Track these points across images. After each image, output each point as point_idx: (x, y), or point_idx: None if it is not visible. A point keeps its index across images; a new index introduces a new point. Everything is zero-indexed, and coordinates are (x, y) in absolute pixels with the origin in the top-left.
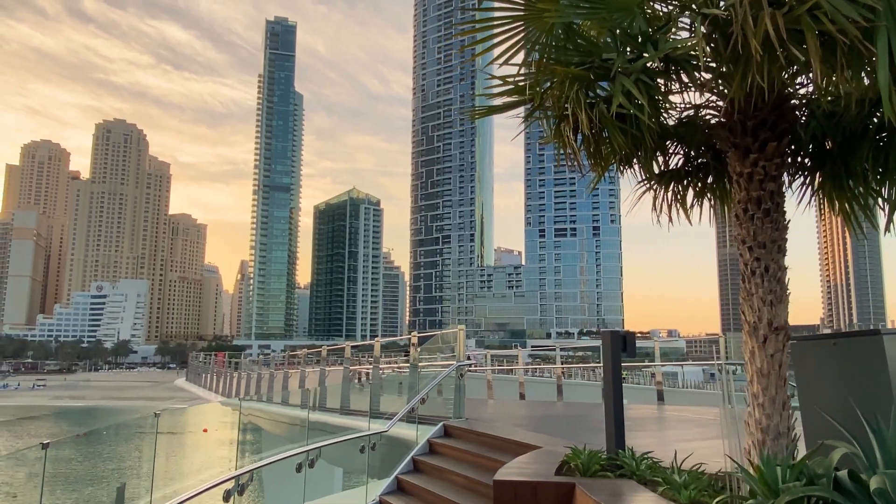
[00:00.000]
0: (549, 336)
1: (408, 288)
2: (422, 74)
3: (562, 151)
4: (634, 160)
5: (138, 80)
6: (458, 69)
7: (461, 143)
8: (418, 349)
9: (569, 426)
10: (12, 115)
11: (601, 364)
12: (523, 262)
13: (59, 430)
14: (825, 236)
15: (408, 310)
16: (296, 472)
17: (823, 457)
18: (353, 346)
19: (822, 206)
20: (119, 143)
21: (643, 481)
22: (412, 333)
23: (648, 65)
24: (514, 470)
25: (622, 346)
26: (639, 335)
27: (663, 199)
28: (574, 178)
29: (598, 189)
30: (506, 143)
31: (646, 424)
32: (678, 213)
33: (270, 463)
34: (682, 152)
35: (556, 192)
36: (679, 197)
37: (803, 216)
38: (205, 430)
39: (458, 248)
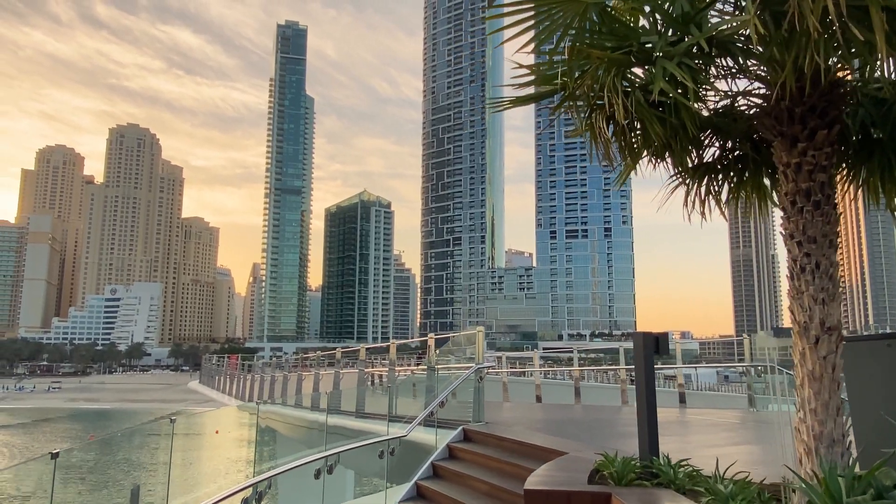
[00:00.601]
0: (560, 338)
1: (419, 290)
2: (432, 77)
3: (586, 143)
4: (667, 153)
5: (150, 84)
6: (469, 71)
7: (471, 145)
8: (436, 352)
9: (592, 430)
10: (27, 121)
11: (617, 366)
12: (534, 264)
13: (74, 432)
14: (840, 235)
15: (419, 312)
16: (314, 479)
17: (892, 468)
18: (367, 349)
19: (867, 201)
20: (132, 148)
21: (682, 491)
22: (429, 335)
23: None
24: (543, 478)
25: (655, 347)
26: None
27: (696, 195)
28: (585, 179)
29: (609, 190)
30: (515, 145)
31: (671, 428)
32: (711, 210)
33: (289, 469)
34: (717, 144)
35: (567, 193)
36: (713, 192)
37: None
38: (216, 432)
39: (469, 250)
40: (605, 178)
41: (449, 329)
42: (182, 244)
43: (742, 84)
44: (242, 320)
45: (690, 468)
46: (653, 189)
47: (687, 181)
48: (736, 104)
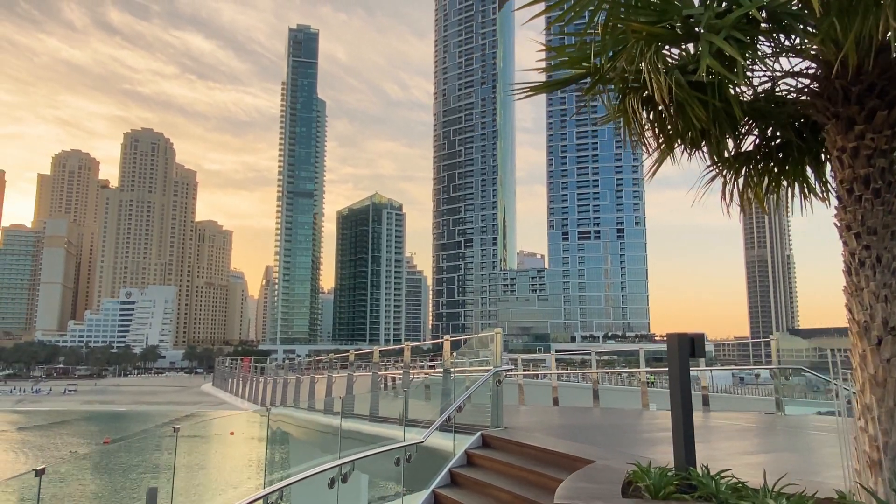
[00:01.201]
0: (573, 340)
1: (430, 292)
2: (443, 79)
3: (615, 131)
4: (703, 142)
5: (163, 89)
6: (480, 73)
7: (483, 147)
8: (452, 354)
9: (616, 436)
10: (44, 126)
11: (637, 368)
12: (546, 266)
13: (89, 434)
14: None
15: (430, 314)
16: (328, 489)
17: None
18: (381, 351)
19: None
20: (147, 152)
21: None
22: (445, 337)
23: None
24: (573, 490)
25: (690, 349)
26: (665, 339)
27: (734, 187)
28: (597, 180)
29: (621, 191)
30: (526, 147)
31: (698, 434)
32: (751, 203)
33: (301, 479)
34: (757, 131)
35: (579, 194)
36: (753, 184)
37: (835, 211)
38: (231, 433)
39: (481, 252)
40: (617, 179)
41: (461, 331)
42: (196, 247)
43: (787, 64)
44: (255, 323)
45: (733, 480)
46: (666, 190)
47: (724, 172)
48: (777, 87)
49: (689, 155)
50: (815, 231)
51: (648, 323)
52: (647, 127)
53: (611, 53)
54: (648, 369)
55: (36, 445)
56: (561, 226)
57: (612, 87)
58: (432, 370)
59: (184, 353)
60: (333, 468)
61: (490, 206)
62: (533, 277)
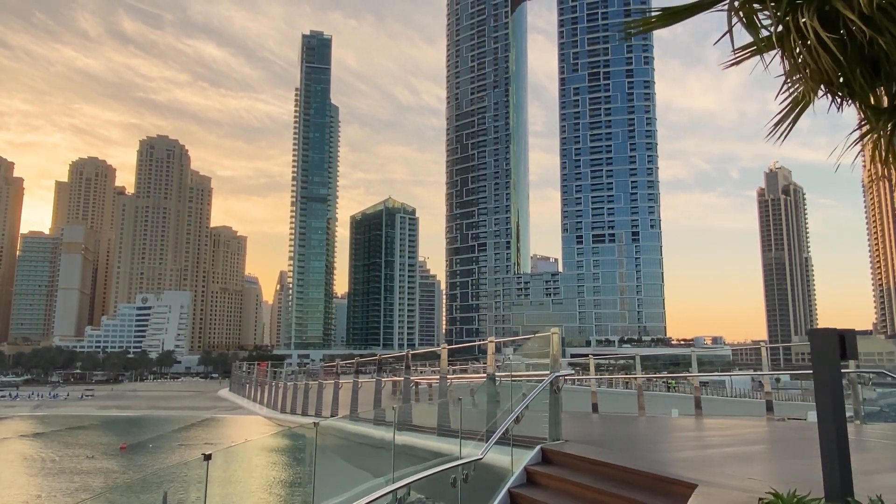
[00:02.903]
0: (588, 344)
1: (444, 296)
2: (455, 83)
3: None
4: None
5: (177, 97)
6: (492, 76)
7: (496, 150)
8: (509, 358)
9: (691, 450)
10: (60, 135)
11: (689, 373)
12: (560, 269)
13: (106, 440)
14: (876, 235)
15: (444, 318)
16: None
17: None
18: (413, 354)
19: None
20: (162, 159)
21: None
22: (489, 339)
23: None
24: None
25: (840, 349)
26: (682, 342)
27: (888, 149)
28: (612, 183)
29: (636, 193)
30: (538, 150)
31: (792, 446)
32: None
33: None
34: None
35: (593, 197)
36: None
37: (853, 210)
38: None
39: (495, 256)
40: (632, 182)
41: (475, 335)
42: (211, 253)
43: None
44: (270, 328)
45: None
46: (680, 192)
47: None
48: None
49: (840, 105)
50: (832, 233)
51: (665, 326)
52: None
53: None
54: (701, 374)
55: (53, 451)
56: (575, 229)
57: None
58: (477, 375)
59: (199, 358)
60: (387, 494)
61: (503, 209)
62: (547, 281)
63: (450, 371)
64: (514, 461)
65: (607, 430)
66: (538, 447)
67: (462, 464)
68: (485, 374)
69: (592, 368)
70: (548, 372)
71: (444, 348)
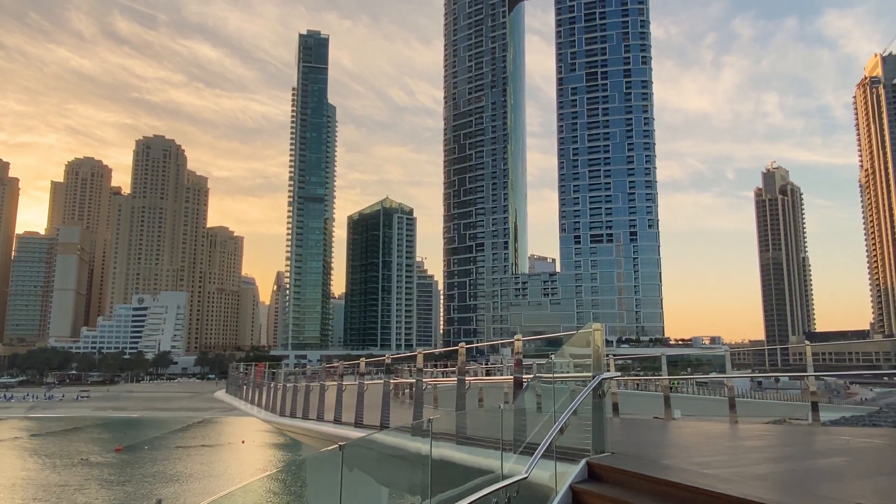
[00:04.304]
0: (587, 344)
1: (442, 297)
2: (453, 83)
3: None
4: None
5: (172, 98)
6: (490, 76)
7: (493, 150)
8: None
9: (766, 464)
10: (55, 135)
11: (722, 374)
12: (558, 270)
13: (101, 441)
14: (874, 236)
15: (442, 319)
16: None
17: None
18: (425, 354)
19: None
20: (158, 159)
21: None
22: (516, 337)
23: None
24: None
25: None
26: (680, 343)
27: None
28: (609, 183)
29: (633, 193)
30: (536, 151)
31: (865, 458)
32: None
33: None
34: None
35: (591, 197)
36: None
37: (850, 211)
38: (242, 442)
39: (492, 256)
40: (630, 182)
41: (473, 335)
42: (207, 253)
43: None
44: (267, 328)
45: None
46: (676, 193)
47: None
48: None
49: None
50: (829, 233)
51: (662, 327)
52: None
53: None
54: (735, 375)
55: (48, 453)
56: (573, 229)
57: None
58: (500, 377)
59: (196, 359)
60: None
61: (501, 209)
62: (545, 281)
63: (468, 373)
64: (558, 478)
65: (646, 438)
66: (583, 461)
67: (507, 485)
68: (508, 377)
69: (612, 367)
70: (590, 374)
71: (462, 346)
